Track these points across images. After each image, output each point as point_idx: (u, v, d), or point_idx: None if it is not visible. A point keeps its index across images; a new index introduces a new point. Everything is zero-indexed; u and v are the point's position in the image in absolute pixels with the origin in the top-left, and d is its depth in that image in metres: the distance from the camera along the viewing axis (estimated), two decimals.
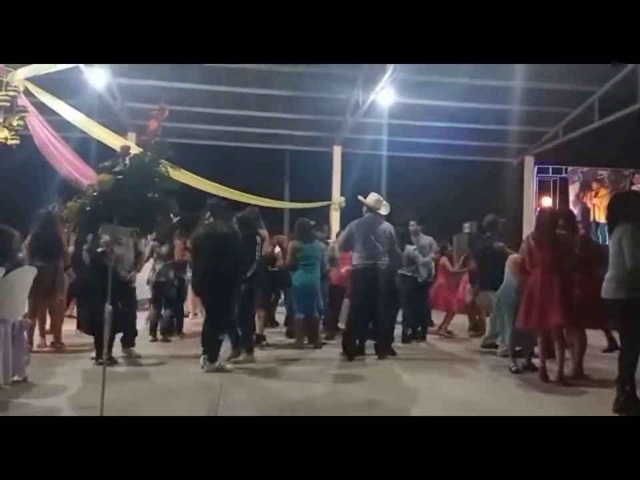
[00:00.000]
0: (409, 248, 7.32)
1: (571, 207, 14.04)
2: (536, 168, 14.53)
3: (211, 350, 5.40)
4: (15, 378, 4.64)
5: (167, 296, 7.30)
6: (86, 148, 9.06)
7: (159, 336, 7.15)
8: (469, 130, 12.94)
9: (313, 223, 7.52)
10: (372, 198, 6.51)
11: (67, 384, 4.72)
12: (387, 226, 6.43)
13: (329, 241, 8.77)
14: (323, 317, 7.38)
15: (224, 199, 8.21)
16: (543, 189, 14.68)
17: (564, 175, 14.45)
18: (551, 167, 14.51)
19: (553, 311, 4.96)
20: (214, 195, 9.22)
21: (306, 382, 5.10)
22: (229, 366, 5.52)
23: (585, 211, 13.44)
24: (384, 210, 6.48)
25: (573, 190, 14.16)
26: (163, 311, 7.37)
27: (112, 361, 5.32)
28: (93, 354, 5.65)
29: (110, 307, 3.70)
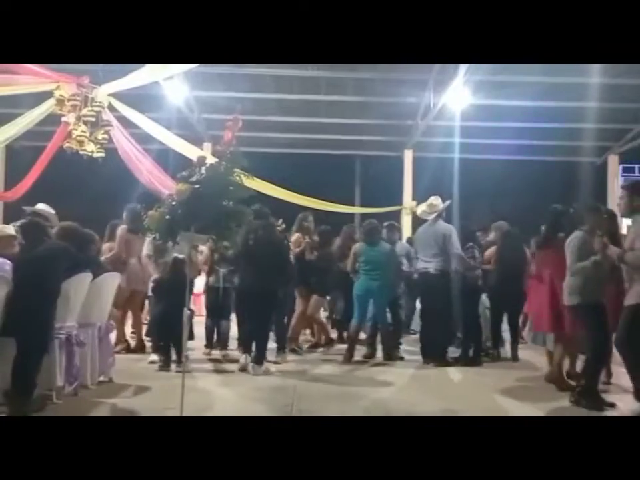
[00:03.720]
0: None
1: None
2: (621, 167, 13.77)
3: (259, 354, 5.57)
4: (101, 378, 4.90)
5: (227, 304, 6.57)
6: (165, 158, 9.46)
7: (221, 351, 6.50)
8: (547, 129, 12.44)
9: (386, 224, 7.27)
10: (422, 206, 6.57)
11: (149, 385, 4.92)
12: (441, 229, 6.26)
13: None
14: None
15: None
16: None
17: None
18: (637, 166, 13.72)
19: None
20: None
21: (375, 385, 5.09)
22: (272, 368, 5.67)
23: None
24: (428, 215, 6.38)
25: None
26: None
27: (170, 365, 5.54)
28: (152, 357, 5.85)
29: (188, 312, 3.84)
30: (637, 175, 13.87)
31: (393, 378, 5.57)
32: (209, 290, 6.68)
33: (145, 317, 7.50)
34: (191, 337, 5.94)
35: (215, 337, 6.69)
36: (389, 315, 6.76)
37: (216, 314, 6.61)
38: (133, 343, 6.70)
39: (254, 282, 5.62)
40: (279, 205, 9.15)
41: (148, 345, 6.50)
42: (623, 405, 4.40)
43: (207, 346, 6.61)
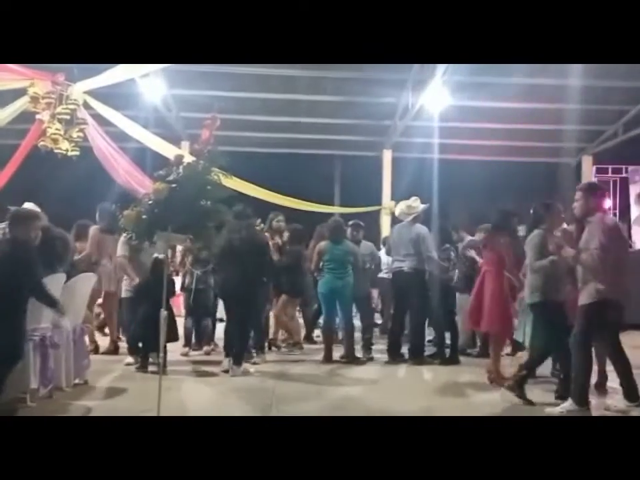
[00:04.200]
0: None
1: (633, 207, 13.47)
2: (594, 168, 13.99)
3: (239, 354, 5.54)
4: (76, 381, 4.82)
5: (204, 304, 6.68)
6: (142, 157, 9.34)
7: (204, 347, 6.68)
8: (524, 131, 12.61)
9: (351, 222, 7.18)
10: (401, 205, 6.56)
11: (125, 386, 4.86)
12: (417, 230, 6.29)
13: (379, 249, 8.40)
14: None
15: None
16: None
17: (624, 175, 13.87)
18: (610, 167, 13.96)
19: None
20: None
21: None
22: (251, 369, 5.64)
23: None
24: (407, 216, 6.40)
25: (634, 190, 13.57)
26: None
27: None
28: (128, 359, 5.77)
29: (165, 313, 3.79)
30: (610, 175, 14.09)
31: (372, 377, 5.59)
32: (186, 291, 6.79)
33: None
34: (176, 337, 5.83)
35: (194, 337, 6.75)
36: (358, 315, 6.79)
37: (193, 314, 6.71)
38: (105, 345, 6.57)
39: (236, 282, 5.55)
40: (258, 205, 9.11)
41: (122, 346, 6.40)
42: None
43: (185, 345, 6.59)
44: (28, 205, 5.89)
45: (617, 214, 14.05)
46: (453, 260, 6.57)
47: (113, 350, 6.45)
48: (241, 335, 5.70)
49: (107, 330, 7.02)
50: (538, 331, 4.85)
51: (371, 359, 6.38)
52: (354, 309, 6.93)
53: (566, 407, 4.08)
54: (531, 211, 4.92)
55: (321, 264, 6.40)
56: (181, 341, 6.53)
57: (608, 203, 13.89)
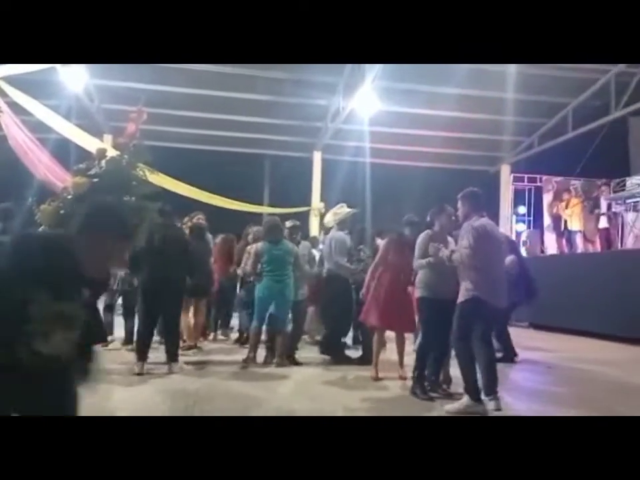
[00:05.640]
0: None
1: (545, 215, 14.29)
2: (512, 177, 14.75)
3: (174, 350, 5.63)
4: None
5: (133, 305, 6.55)
6: (65, 150, 8.92)
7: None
8: (448, 138, 13.11)
9: (289, 224, 6.89)
10: (329, 214, 6.76)
11: None
12: (334, 236, 6.41)
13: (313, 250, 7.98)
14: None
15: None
16: (518, 197, 14.91)
17: (539, 184, 14.69)
18: (526, 176, 14.74)
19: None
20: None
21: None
22: (176, 369, 5.55)
23: (557, 220, 13.67)
24: (333, 223, 6.56)
25: (547, 199, 14.40)
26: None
27: None
28: None
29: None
30: (526, 184, 14.87)
31: (294, 377, 5.60)
32: (121, 293, 6.89)
33: None
34: (104, 337, 5.55)
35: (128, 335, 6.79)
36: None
37: (130, 314, 6.73)
38: None
39: (163, 281, 5.38)
40: (185, 203, 8.94)
41: None
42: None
43: (123, 343, 6.73)
44: None
45: (531, 220, 14.89)
46: (364, 260, 6.71)
47: None
48: (174, 331, 5.73)
49: None
50: (422, 327, 4.98)
51: (299, 364, 6.23)
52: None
53: (463, 402, 4.21)
54: (428, 215, 5.17)
55: (259, 267, 6.10)
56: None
57: (523, 210, 14.75)
